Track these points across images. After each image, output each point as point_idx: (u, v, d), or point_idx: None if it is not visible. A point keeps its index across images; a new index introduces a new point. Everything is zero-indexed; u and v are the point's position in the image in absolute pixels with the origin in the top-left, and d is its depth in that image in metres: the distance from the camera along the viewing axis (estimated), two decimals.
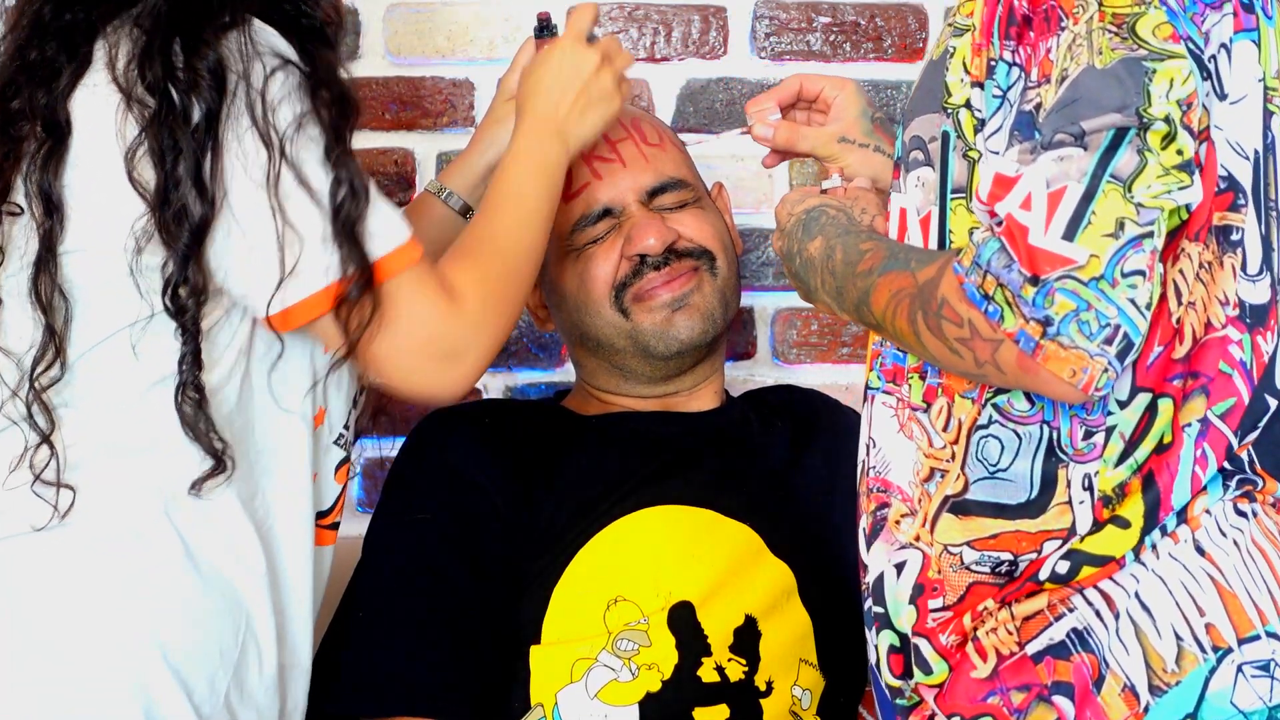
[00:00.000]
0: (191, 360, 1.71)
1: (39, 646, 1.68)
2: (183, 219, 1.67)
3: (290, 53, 1.71)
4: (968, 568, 1.60)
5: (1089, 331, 1.47)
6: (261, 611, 1.77)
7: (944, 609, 1.61)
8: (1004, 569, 1.59)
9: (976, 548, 1.60)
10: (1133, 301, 1.47)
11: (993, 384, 1.60)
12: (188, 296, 1.69)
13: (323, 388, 1.83)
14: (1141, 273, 1.47)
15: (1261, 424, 1.57)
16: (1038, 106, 1.54)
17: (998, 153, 1.58)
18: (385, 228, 1.74)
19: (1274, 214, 1.58)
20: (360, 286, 1.71)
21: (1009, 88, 1.60)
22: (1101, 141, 1.48)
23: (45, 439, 1.70)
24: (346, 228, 1.70)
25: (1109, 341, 1.47)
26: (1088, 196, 1.47)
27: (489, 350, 1.81)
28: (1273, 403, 1.58)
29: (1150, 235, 1.47)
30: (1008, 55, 1.60)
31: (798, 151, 2.02)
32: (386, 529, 2.05)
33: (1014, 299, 1.48)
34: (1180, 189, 1.49)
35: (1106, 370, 1.48)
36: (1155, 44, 1.50)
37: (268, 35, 1.71)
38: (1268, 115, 1.58)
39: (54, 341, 1.71)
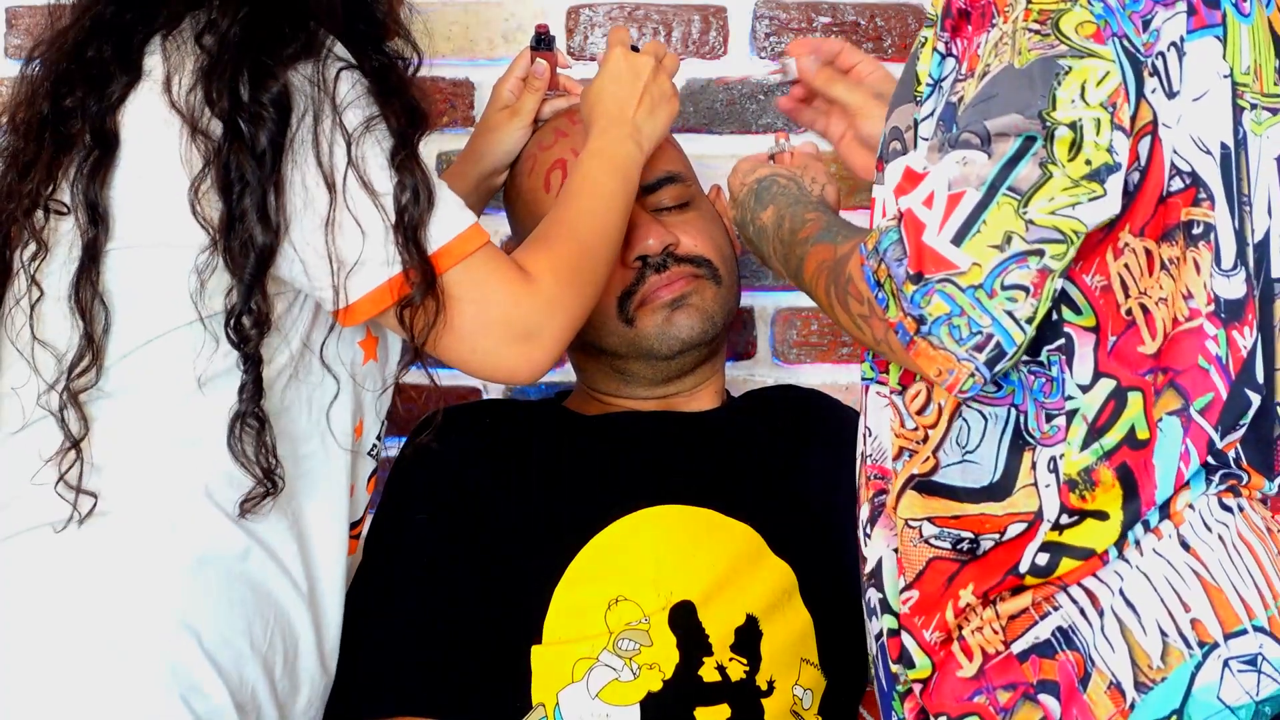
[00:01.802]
0: (253, 389, 1.72)
1: (70, 638, 1.69)
2: (248, 249, 1.68)
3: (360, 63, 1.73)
4: (927, 542, 1.61)
5: (959, 336, 1.49)
6: (297, 611, 1.78)
7: (907, 588, 1.62)
8: (964, 545, 1.59)
9: (937, 524, 1.60)
10: (1010, 314, 1.48)
11: (894, 361, 1.62)
12: (251, 326, 1.70)
13: (360, 401, 1.84)
14: (1024, 288, 1.48)
15: (1246, 420, 1.57)
16: (961, 99, 1.56)
17: (928, 139, 1.60)
18: (445, 220, 1.74)
19: (1247, 208, 1.58)
20: (423, 288, 1.72)
21: (941, 78, 1.62)
22: (1006, 151, 1.49)
23: (75, 444, 1.71)
24: (409, 230, 1.71)
25: (979, 349, 1.49)
26: (982, 205, 1.49)
27: (565, 330, 1.82)
28: (1255, 398, 1.57)
29: (1039, 254, 1.48)
30: (941, 46, 1.63)
31: (829, 95, 2.04)
32: (387, 529, 2.05)
33: (897, 291, 1.50)
34: (1091, 199, 1.49)
35: (973, 375, 1.50)
36: (1076, 41, 1.51)
37: (342, 48, 1.73)
38: (1238, 111, 1.58)
39: (91, 348, 1.71)
